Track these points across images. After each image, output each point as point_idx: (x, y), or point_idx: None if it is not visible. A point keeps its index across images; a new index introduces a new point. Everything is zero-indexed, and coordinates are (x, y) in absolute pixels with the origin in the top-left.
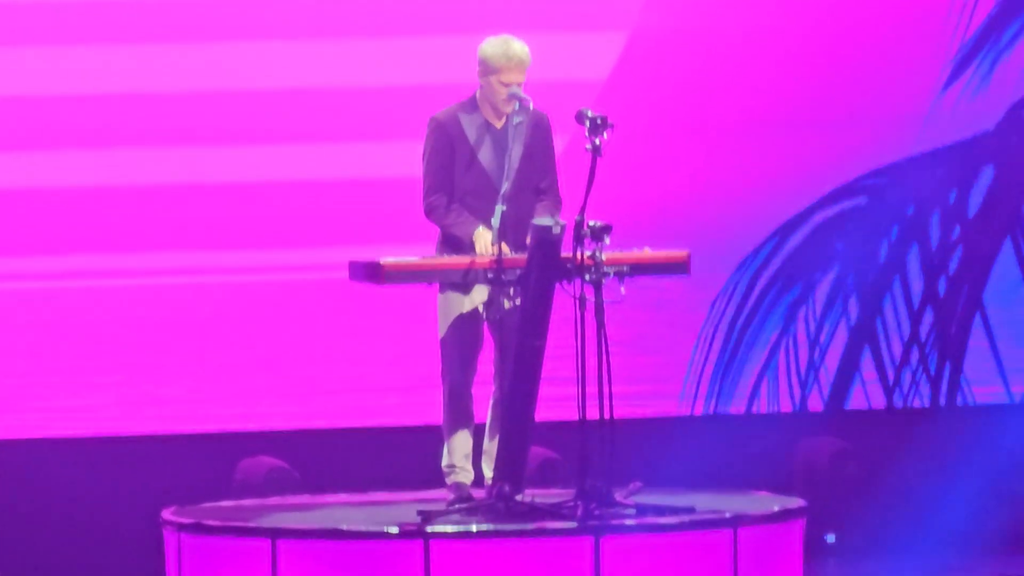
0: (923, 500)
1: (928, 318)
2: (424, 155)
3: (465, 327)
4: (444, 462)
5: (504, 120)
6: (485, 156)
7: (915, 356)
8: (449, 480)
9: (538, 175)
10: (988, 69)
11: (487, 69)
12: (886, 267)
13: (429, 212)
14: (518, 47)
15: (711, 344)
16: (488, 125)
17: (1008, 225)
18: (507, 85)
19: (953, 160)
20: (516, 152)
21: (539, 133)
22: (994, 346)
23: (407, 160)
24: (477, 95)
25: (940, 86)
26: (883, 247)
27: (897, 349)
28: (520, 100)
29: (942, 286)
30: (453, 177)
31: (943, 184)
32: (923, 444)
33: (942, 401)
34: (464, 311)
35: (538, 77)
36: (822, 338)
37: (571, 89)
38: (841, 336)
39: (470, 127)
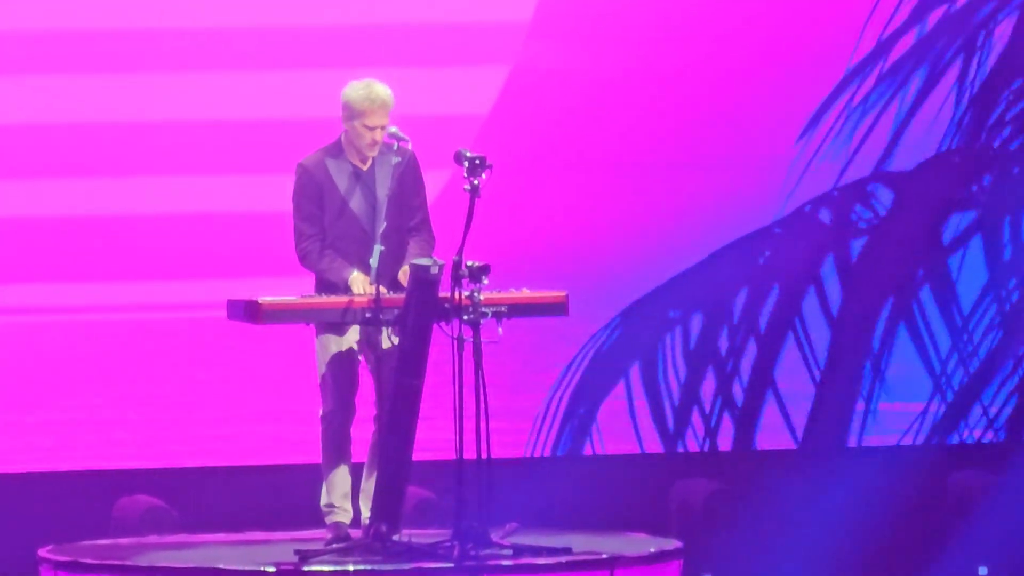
0: (802, 541)
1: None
2: (294, 202)
3: (343, 366)
4: (323, 501)
5: (369, 163)
6: (355, 200)
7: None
8: (328, 519)
9: (409, 214)
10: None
11: (351, 113)
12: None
13: (303, 259)
14: (381, 89)
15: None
16: (355, 169)
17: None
18: (371, 128)
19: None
20: (386, 193)
21: (408, 171)
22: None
23: (283, 194)
24: (342, 139)
25: (798, 137)
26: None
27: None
28: (399, 140)
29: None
30: (324, 222)
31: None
32: (798, 485)
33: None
34: (341, 350)
35: (418, 112)
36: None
37: (452, 124)
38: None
39: (338, 173)
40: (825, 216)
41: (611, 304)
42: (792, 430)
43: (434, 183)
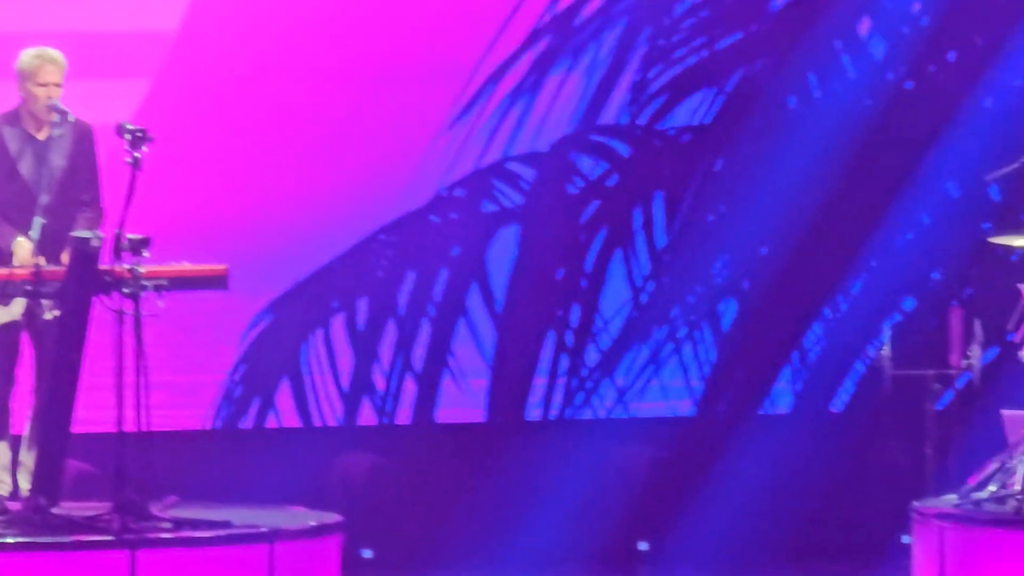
0: (473, 515)
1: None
2: None
3: (4, 337)
4: None
5: (46, 133)
6: (26, 168)
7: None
8: None
9: (81, 187)
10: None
11: (23, 76)
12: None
13: None
14: (51, 50)
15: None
16: (30, 137)
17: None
18: (44, 85)
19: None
20: (58, 164)
21: (83, 145)
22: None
23: None
24: (20, 108)
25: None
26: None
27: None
28: (59, 111)
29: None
30: None
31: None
32: (463, 459)
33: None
34: (4, 321)
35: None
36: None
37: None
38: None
39: (12, 139)
40: (463, 196)
41: (277, 278)
42: (467, 405)
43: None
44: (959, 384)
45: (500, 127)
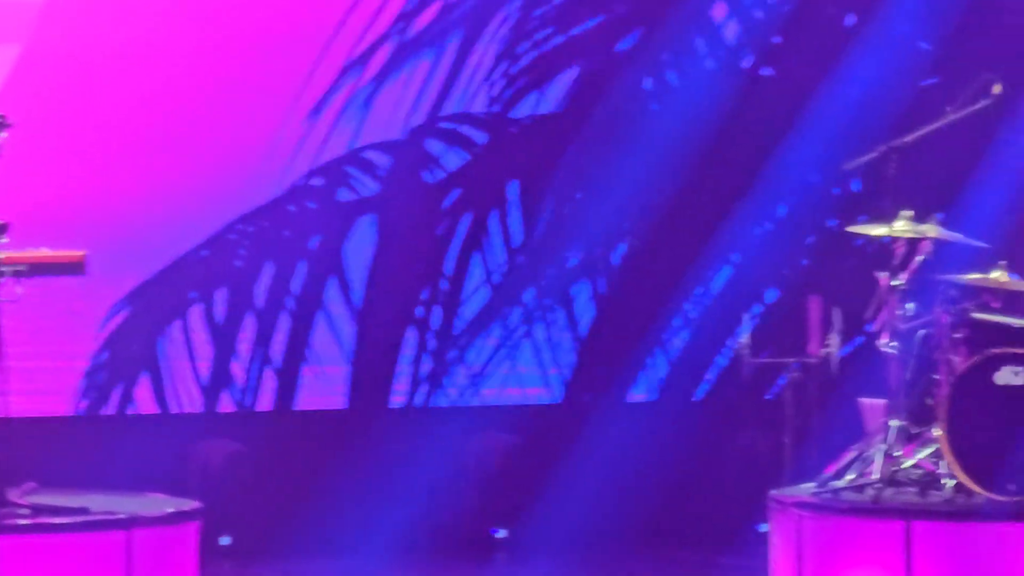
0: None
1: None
2: None
3: None
4: None
5: None
6: None
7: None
8: None
9: None
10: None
11: None
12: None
13: None
14: None
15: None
16: None
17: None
18: None
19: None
20: None
21: None
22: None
23: None
24: None
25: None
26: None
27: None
28: None
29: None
30: None
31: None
32: (321, 446)
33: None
34: None
35: None
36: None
37: None
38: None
39: None
40: (321, 185)
41: (137, 264)
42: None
43: None
44: (817, 372)
45: (358, 114)
